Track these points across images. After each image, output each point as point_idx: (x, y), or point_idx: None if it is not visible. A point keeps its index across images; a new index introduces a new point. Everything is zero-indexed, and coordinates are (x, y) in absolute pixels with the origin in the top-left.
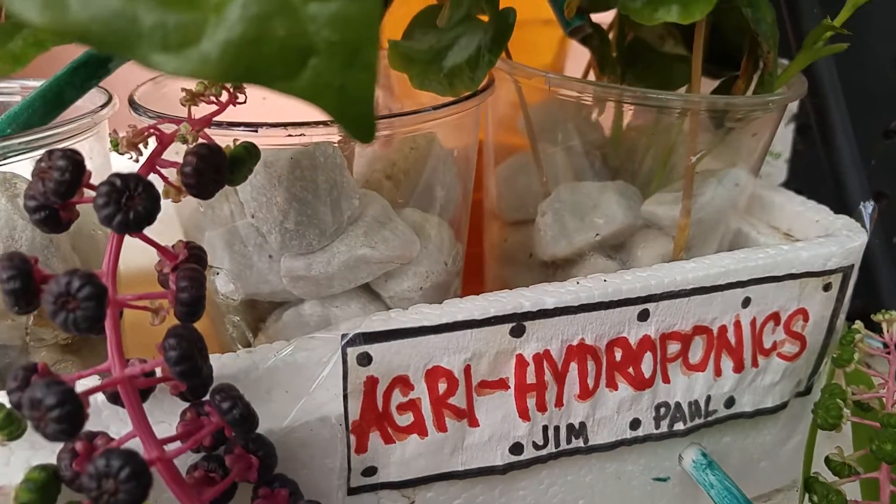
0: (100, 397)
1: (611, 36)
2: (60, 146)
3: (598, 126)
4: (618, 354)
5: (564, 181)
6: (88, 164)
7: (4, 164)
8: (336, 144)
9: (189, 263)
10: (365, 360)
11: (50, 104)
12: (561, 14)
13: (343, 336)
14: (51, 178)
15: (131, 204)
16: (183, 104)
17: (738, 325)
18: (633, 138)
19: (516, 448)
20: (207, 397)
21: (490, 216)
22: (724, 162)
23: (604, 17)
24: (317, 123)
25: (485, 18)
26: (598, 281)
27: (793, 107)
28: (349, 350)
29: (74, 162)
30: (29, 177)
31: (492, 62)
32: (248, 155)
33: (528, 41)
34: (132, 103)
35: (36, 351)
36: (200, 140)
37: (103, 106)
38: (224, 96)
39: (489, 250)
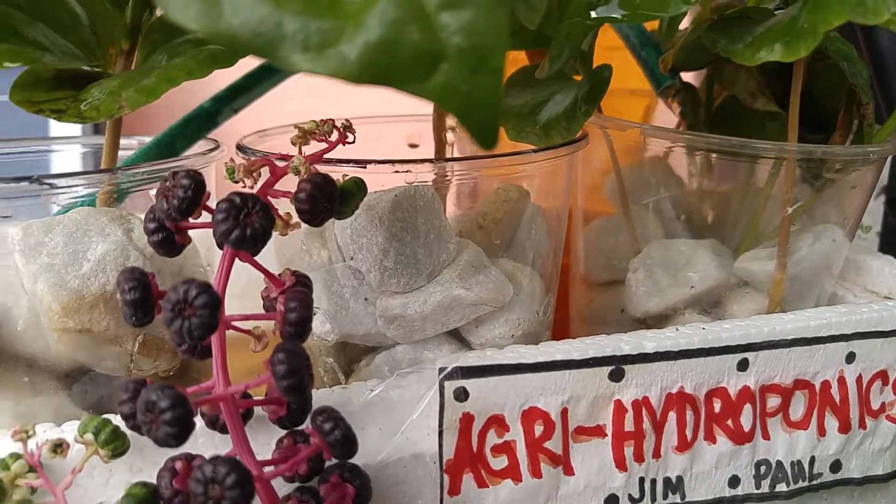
0: (197, 423)
1: None
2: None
3: (687, 183)
4: (717, 405)
5: (653, 239)
6: None
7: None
8: (434, 188)
9: (296, 288)
10: (462, 395)
11: (164, 152)
12: (652, 74)
13: (441, 370)
14: (174, 195)
15: (248, 221)
16: (294, 143)
17: (842, 381)
18: (723, 195)
19: (612, 500)
20: (308, 422)
21: (576, 279)
22: (821, 218)
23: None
24: (422, 161)
25: (578, 78)
26: (697, 328)
27: (883, 178)
28: (447, 384)
29: (197, 181)
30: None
31: (588, 113)
32: (357, 189)
33: (614, 110)
34: (240, 148)
35: None
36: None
37: (212, 150)
38: (334, 135)
39: (576, 312)
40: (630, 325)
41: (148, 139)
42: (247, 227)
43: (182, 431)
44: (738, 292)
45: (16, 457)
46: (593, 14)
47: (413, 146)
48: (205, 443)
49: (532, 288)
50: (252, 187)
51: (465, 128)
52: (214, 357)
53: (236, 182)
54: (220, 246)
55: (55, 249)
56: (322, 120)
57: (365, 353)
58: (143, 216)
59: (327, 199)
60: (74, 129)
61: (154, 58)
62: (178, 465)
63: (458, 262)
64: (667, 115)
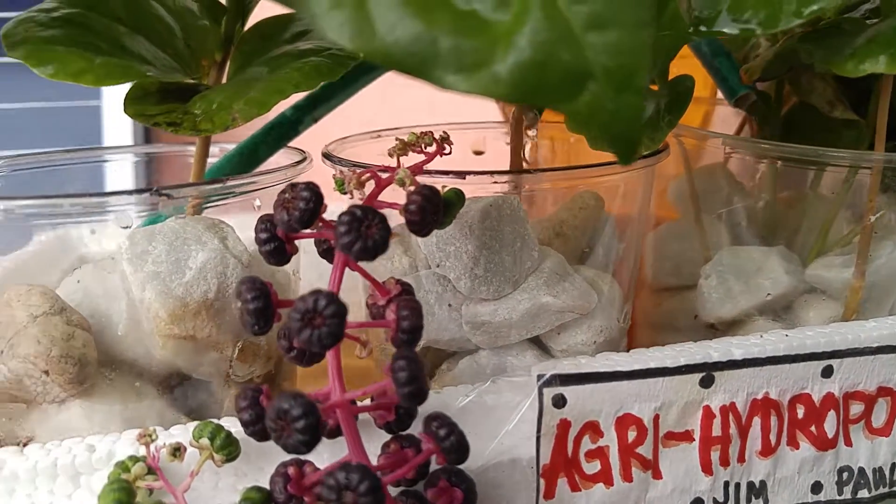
0: None
1: None
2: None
3: (751, 190)
4: (800, 411)
5: (723, 246)
6: None
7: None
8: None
9: (405, 296)
10: (560, 402)
11: (246, 160)
12: (724, 83)
13: (539, 377)
14: (296, 207)
15: (369, 233)
16: (391, 154)
17: None
18: (790, 203)
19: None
20: (422, 426)
21: (641, 284)
22: None
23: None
24: (521, 172)
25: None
26: (780, 335)
27: None
28: (545, 391)
29: (316, 194)
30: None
31: (672, 123)
32: (457, 199)
33: None
34: (327, 156)
35: (233, 387)
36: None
37: (300, 162)
38: (433, 147)
39: (642, 317)
40: (702, 330)
41: (230, 146)
42: (368, 238)
43: (312, 439)
44: (811, 299)
45: (134, 460)
46: (702, 28)
47: (478, 153)
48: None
49: (612, 295)
50: (360, 198)
51: (608, 144)
52: (330, 364)
53: (344, 193)
54: (324, 255)
55: (159, 258)
56: (422, 132)
57: (446, 357)
58: (230, 223)
59: (434, 211)
60: (126, 136)
61: (252, 69)
62: (291, 470)
63: (543, 270)
64: (723, 122)
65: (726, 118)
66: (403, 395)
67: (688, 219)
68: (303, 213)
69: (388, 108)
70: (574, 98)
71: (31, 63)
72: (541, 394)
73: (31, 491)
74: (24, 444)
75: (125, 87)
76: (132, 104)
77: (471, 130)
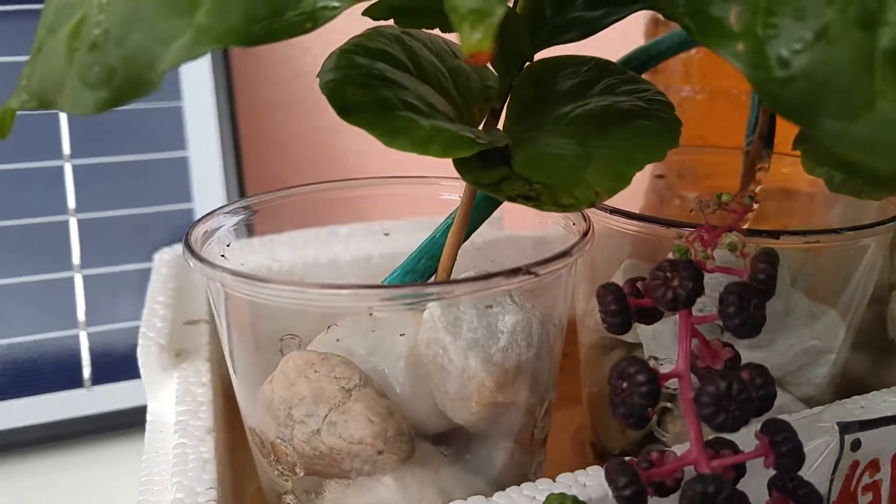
0: None
1: None
2: None
3: None
4: None
5: None
6: None
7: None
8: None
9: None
10: (856, 445)
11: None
12: None
13: (840, 424)
14: (683, 287)
15: (750, 309)
16: (701, 212)
17: None
18: None
19: None
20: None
21: None
22: None
23: None
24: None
25: None
26: None
27: None
28: (847, 437)
29: (700, 276)
30: None
31: None
32: (777, 260)
33: None
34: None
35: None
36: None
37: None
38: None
39: None
40: (894, 352)
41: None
42: (751, 317)
43: (650, 401)
44: None
45: None
46: None
47: (659, 177)
48: None
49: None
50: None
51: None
52: (692, 432)
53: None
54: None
55: (472, 324)
56: (739, 193)
57: None
58: None
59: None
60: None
61: (548, 129)
62: (655, 455)
63: (796, 313)
64: None
65: None
66: (781, 465)
67: None
68: (688, 294)
69: None
70: None
71: (378, 135)
72: (842, 440)
73: None
74: None
75: None
76: (469, 174)
77: None
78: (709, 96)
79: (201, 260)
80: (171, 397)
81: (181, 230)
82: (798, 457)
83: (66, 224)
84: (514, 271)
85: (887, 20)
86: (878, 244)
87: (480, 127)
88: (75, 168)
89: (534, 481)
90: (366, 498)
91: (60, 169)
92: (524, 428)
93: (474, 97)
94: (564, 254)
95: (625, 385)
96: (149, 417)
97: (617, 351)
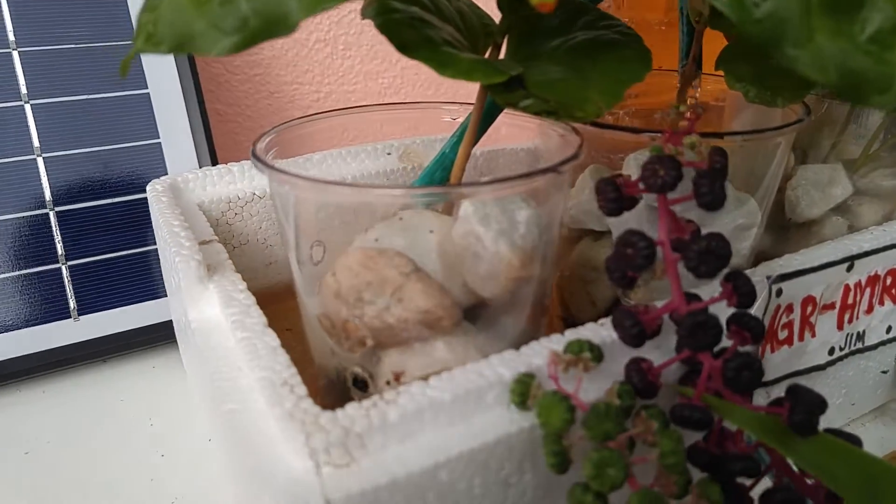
0: None
1: None
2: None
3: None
4: (888, 280)
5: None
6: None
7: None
8: None
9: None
10: (780, 293)
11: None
12: None
13: (768, 277)
14: (669, 175)
15: (716, 189)
16: (668, 123)
17: None
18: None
19: (831, 351)
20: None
21: None
22: None
23: None
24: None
25: None
26: (881, 230)
27: None
28: (773, 287)
29: (679, 167)
30: None
31: None
32: (726, 160)
33: None
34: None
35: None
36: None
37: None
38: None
39: None
40: (793, 228)
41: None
42: (718, 194)
43: (648, 262)
44: (860, 200)
45: (530, 376)
46: None
47: None
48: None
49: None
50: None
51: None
52: (673, 286)
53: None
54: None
55: (498, 218)
56: (692, 103)
57: None
58: None
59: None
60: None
61: (545, 55)
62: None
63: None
64: None
65: None
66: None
67: None
68: (674, 179)
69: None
70: None
71: (433, 66)
72: (770, 289)
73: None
74: (396, 377)
75: None
76: (500, 96)
77: None
78: (636, 28)
79: (274, 169)
80: (211, 306)
81: (150, 165)
82: (752, 296)
83: (34, 162)
84: (541, 171)
85: None
86: (786, 142)
87: (492, 55)
88: (34, 108)
89: None
90: (423, 359)
91: (21, 108)
92: (536, 298)
93: (477, 34)
94: (574, 156)
95: (630, 251)
96: (192, 325)
97: (584, 241)
